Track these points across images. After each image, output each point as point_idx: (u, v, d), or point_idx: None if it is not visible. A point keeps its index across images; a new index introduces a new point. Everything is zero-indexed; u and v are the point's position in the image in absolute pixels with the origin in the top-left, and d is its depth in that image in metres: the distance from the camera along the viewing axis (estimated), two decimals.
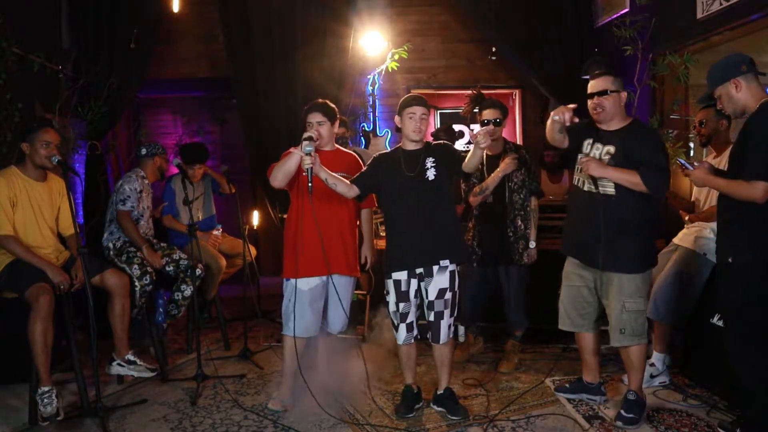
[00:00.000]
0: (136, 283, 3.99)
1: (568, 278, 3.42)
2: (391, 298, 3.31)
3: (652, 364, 3.66)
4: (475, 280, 4.00)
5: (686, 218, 3.84)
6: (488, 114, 3.91)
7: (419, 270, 3.25)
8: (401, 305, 3.28)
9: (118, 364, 3.80)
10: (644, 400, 3.23)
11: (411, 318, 3.30)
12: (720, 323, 3.34)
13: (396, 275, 3.27)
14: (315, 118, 3.41)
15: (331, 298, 3.46)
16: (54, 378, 3.37)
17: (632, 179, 3.01)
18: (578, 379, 3.54)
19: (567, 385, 3.57)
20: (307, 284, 3.36)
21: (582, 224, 3.26)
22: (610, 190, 3.11)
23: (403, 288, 3.27)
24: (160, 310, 4.28)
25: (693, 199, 3.90)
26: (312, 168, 3.09)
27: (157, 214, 4.80)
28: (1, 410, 3.47)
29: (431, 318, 3.26)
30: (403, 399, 3.42)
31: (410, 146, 3.30)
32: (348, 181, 3.29)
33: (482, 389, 3.69)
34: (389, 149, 3.60)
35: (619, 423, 3.16)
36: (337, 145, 3.61)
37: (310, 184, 3.11)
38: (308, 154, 3.09)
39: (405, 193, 3.25)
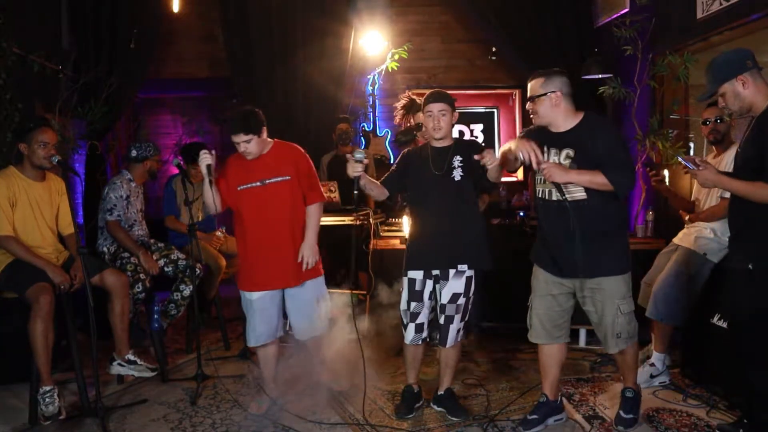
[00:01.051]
0: (129, 291, 3.96)
1: (541, 288, 3.13)
2: (404, 296, 3.27)
3: (652, 364, 3.66)
4: None
5: (686, 218, 3.84)
6: (420, 118, 3.78)
7: (435, 272, 3.22)
8: (413, 304, 3.24)
9: (119, 364, 3.80)
10: (640, 395, 3.19)
11: (422, 319, 3.25)
12: (720, 323, 3.35)
13: (411, 274, 3.24)
14: (239, 138, 3.17)
15: (289, 307, 3.40)
16: (54, 378, 3.37)
17: (598, 180, 2.80)
18: (541, 403, 3.21)
19: (534, 417, 3.16)
20: (254, 294, 3.33)
21: (555, 236, 3.01)
22: (580, 194, 2.89)
23: (417, 287, 3.23)
24: (156, 317, 4.27)
25: (693, 199, 3.90)
26: (359, 176, 3.05)
27: (167, 223, 4.78)
28: (1, 410, 3.47)
29: (441, 321, 3.22)
30: (403, 399, 3.41)
31: (438, 143, 3.23)
32: (379, 183, 3.27)
33: (482, 389, 3.69)
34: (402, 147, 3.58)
35: (620, 427, 3.11)
36: (274, 140, 3.41)
37: (356, 192, 3.06)
38: (359, 161, 3.03)
39: (430, 192, 3.20)
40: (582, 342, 4.39)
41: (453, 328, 3.21)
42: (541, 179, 3.01)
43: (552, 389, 3.21)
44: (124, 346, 3.79)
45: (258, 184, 3.27)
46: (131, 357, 3.80)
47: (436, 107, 3.13)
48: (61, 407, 3.28)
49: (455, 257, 3.17)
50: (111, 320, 3.74)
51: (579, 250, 2.89)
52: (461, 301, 3.19)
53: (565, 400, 3.44)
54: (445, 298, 3.19)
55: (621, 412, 3.14)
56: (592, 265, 2.92)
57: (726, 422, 3.09)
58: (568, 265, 2.98)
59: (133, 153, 4.37)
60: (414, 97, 3.97)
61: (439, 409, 3.37)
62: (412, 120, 3.84)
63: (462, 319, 3.23)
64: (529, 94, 2.99)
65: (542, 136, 2.99)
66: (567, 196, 2.89)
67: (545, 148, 2.97)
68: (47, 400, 3.24)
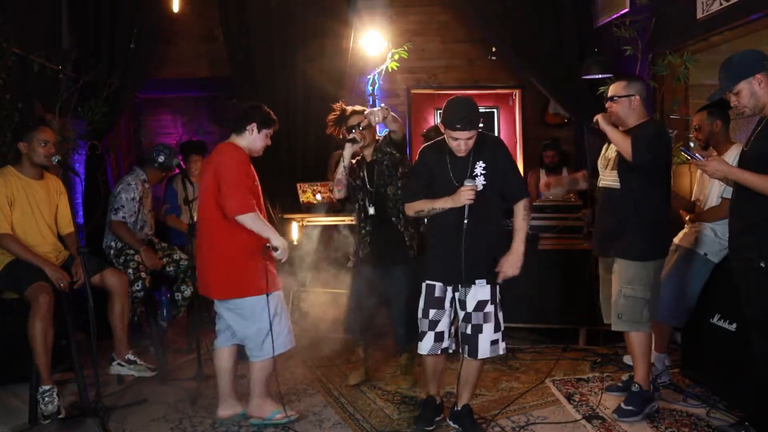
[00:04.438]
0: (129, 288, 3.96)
1: (603, 281, 3.49)
2: (421, 302, 3.04)
3: (652, 364, 3.66)
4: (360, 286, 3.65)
5: (687, 218, 3.84)
6: (353, 120, 3.54)
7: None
8: (432, 312, 2.99)
9: (119, 364, 3.80)
10: (650, 393, 3.22)
11: (442, 327, 3.00)
12: (720, 323, 3.34)
13: (430, 281, 3.03)
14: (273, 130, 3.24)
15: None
16: (54, 378, 3.37)
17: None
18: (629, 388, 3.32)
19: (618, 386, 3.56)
20: (281, 292, 3.22)
21: (599, 217, 3.43)
22: (615, 184, 3.25)
23: (437, 294, 3.00)
24: (164, 308, 4.28)
25: (693, 199, 3.90)
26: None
27: (160, 216, 4.78)
28: (1, 410, 3.46)
29: (468, 331, 2.97)
30: (423, 410, 3.19)
31: None
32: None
33: (482, 389, 3.68)
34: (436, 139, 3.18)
35: (614, 415, 3.19)
36: None
37: (465, 221, 2.85)
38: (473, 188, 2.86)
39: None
40: (582, 342, 4.39)
41: (483, 338, 2.94)
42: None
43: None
44: (123, 346, 3.79)
45: (257, 182, 3.23)
46: (131, 357, 3.80)
47: (464, 136, 2.82)
48: (61, 406, 3.28)
49: (473, 273, 2.92)
50: (111, 320, 3.74)
51: (608, 231, 3.28)
52: (489, 308, 2.94)
53: (565, 401, 3.45)
54: (470, 305, 2.95)
55: (622, 403, 3.22)
56: (610, 244, 3.28)
57: (726, 423, 3.09)
58: (602, 245, 3.36)
59: (161, 158, 4.27)
60: (345, 107, 3.65)
61: (455, 426, 3.16)
62: (344, 132, 3.56)
63: (496, 329, 2.97)
64: (609, 94, 3.22)
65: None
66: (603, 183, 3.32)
67: (607, 144, 3.36)
68: (47, 399, 3.24)
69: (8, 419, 3.35)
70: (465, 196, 2.82)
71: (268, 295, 3.08)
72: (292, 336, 3.23)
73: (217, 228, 3.07)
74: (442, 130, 2.92)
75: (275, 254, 3.09)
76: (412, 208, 3.04)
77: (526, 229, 3.00)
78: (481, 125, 2.92)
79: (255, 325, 3.11)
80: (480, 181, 2.90)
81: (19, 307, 3.42)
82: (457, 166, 2.94)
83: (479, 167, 2.93)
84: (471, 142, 2.87)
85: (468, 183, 2.86)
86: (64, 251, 3.73)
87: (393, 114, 3.28)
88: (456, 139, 2.84)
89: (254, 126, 3.15)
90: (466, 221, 2.85)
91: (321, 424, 3.26)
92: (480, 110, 2.90)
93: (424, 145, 3.22)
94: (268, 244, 3.07)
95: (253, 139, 3.17)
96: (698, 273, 3.58)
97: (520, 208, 2.99)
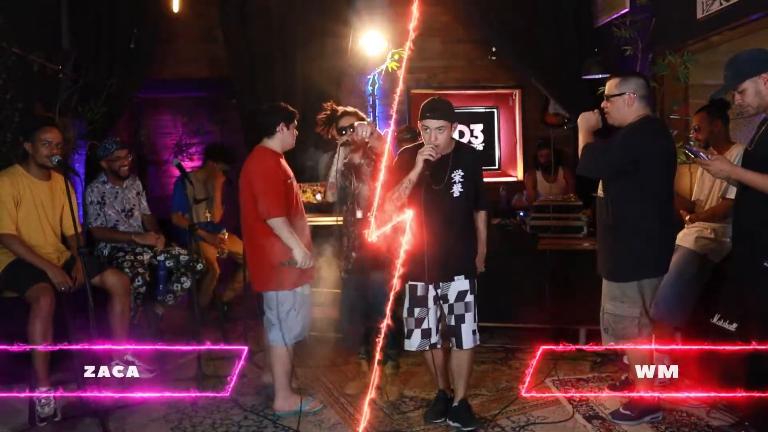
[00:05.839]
0: (130, 290, 3.95)
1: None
2: (405, 303, 3.16)
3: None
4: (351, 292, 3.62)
5: (687, 218, 3.83)
6: (344, 121, 3.53)
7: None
8: (417, 310, 3.12)
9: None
10: (652, 403, 3.18)
11: (428, 324, 3.11)
12: (720, 323, 3.33)
13: (411, 281, 3.13)
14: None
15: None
16: (54, 378, 3.37)
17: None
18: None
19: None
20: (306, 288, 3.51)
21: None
22: (601, 193, 3.17)
23: (420, 293, 3.12)
24: (161, 286, 4.29)
25: (693, 199, 3.89)
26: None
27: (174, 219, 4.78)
28: (1, 410, 3.47)
29: (452, 322, 3.10)
30: (434, 403, 3.33)
31: None
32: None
33: (482, 389, 3.68)
34: (410, 144, 3.28)
35: (610, 416, 3.21)
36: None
37: (424, 194, 3.00)
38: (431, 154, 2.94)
39: (428, 206, 2.99)
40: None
41: (466, 327, 3.09)
42: None
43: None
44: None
45: (290, 180, 3.45)
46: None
47: (434, 124, 2.94)
48: (57, 409, 3.28)
49: (451, 271, 3.09)
50: (111, 320, 3.74)
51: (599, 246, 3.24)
52: (469, 298, 3.10)
53: (565, 401, 3.44)
54: (451, 297, 3.10)
55: (621, 407, 3.22)
56: (598, 260, 3.24)
57: (726, 423, 3.09)
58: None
59: (97, 151, 4.37)
60: (336, 107, 3.63)
61: (455, 424, 3.19)
62: (334, 132, 3.54)
63: (475, 319, 3.12)
64: (605, 93, 3.15)
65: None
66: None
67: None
68: (43, 401, 3.24)
69: (8, 419, 3.35)
70: (426, 150, 2.90)
71: (294, 292, 3.38)
72: (299, 331, 3.42)
73: (254, 228, 3.35)
74: (418, 125, 3.05)
75: (296, 266, 3.29)
76: (387, 199, 3.08)
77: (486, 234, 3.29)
78: (457, 131, 3.04)
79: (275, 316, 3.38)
80: (457, 188, 3.05)
81: (19, 307, 3.42)
82: (435, 170, 2.98)
83: (458, 175, 3.06)
84: (441, 137, 2.96)
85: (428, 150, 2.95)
86: (65, 252, 3.73)
87: (378, 131, 3.35)
88: (426, 128, 2.97)
89: (282, 125, 3.41)
90: (424, 194, 2.95)
91: (321, 424, 3.26)
92: (456, 111, 3.07)
93: (402, 148, 3.28)
94: (284, 261, 3.28)
95: (284, 137, 3.44)
96: (698, 273, 3.58)
97: (483, 217, 3.28)
